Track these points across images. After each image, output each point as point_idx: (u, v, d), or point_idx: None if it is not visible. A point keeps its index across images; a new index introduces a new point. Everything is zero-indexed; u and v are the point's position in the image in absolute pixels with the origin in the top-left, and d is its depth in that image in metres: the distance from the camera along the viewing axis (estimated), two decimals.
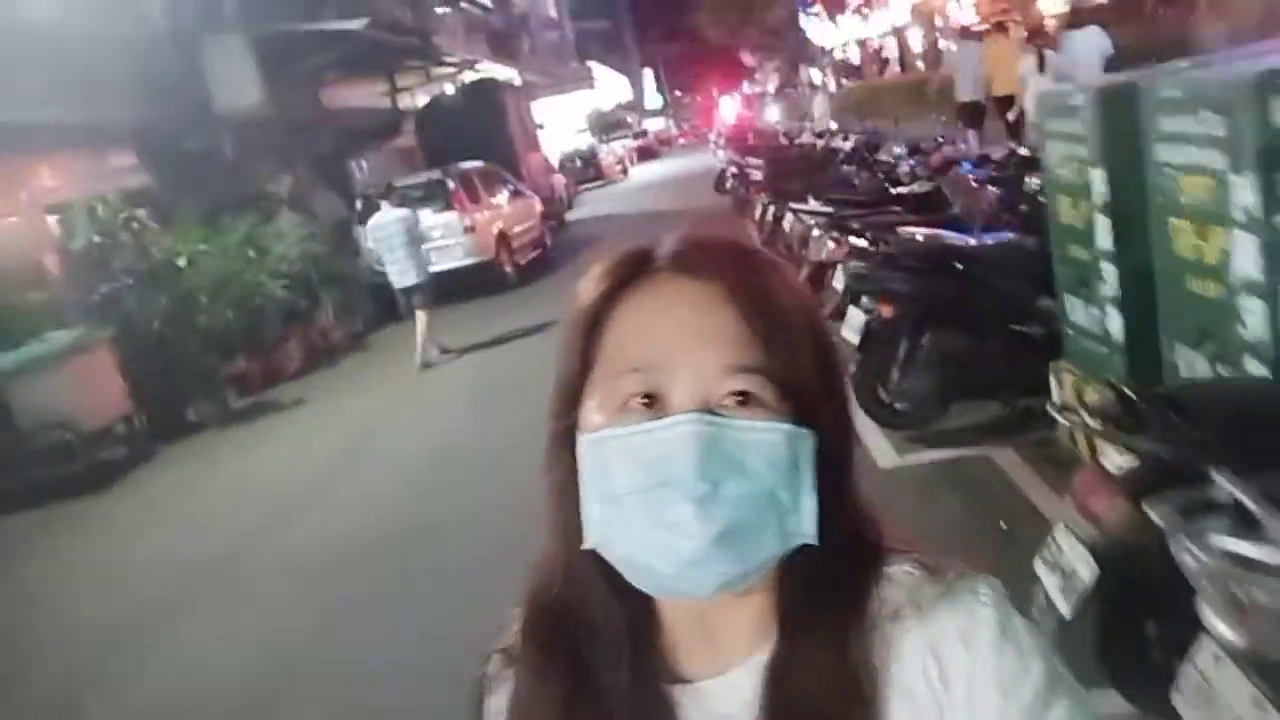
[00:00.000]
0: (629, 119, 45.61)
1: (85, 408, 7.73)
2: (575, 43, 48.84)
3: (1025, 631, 0.70)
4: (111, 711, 4.10)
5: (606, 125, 41.99)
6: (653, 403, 0.68)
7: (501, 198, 15.07)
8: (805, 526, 0.69)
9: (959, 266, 4.44)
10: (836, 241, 5.77)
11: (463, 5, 26.75)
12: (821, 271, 6.10)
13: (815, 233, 6.23)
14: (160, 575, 5.48)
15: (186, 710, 3.97)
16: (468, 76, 22.52)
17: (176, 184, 11.34)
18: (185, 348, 8.93)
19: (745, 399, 0.68)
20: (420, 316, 9.41)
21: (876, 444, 4.72)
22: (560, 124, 35.81)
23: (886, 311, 4.55)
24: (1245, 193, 2.53)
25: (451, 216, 12.95)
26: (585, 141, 36.75)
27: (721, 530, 0.66)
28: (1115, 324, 3.48)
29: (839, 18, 35.57)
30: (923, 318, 4.36)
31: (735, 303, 0.69)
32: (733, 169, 15.14)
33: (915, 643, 0.70)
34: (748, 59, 57.70)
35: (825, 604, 0.72)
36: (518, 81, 25.87)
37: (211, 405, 8.96)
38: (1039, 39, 10.47)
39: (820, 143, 11.40)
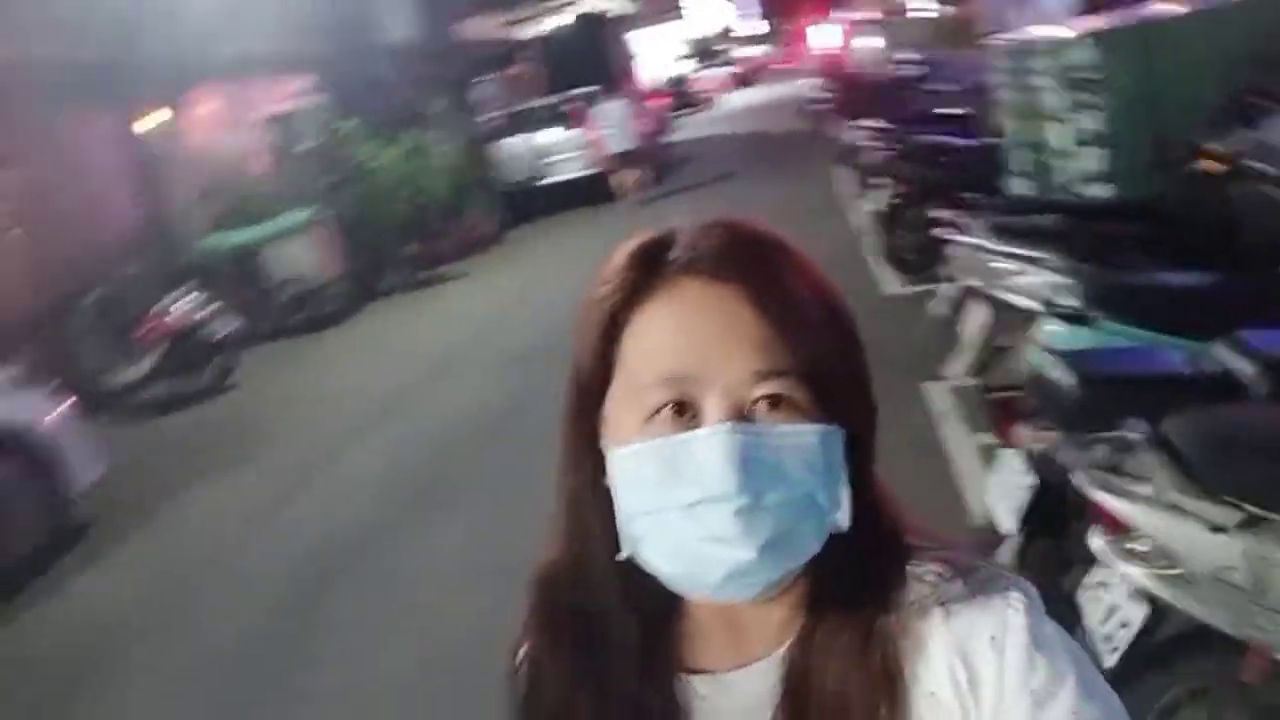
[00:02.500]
0: (725, 47, 46.83)
1: (313, 269, 10.41)
2: None
3: (1058, 639, 0.68)
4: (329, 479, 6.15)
5: (706, 53, 43.41)
6: (683, 411, 0.68)
7: (612, 108, 17.22)
8: (840, 519, 0.70)
9: (945, 159, 6.60)
10: (877, 148, 7.91)
11: None
12: (867, 172, 8.24)
13: (864, 143, 8.34)
14: (359, 396, 7.52)
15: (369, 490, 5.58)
16: (578, 8, 24.60)
17: (348, 103, 13.92)
18: (378, 232, 11.57)
19: (776, 402, 0.68)
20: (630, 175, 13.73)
21: (888, 278, 6.98)
22: (658, 53, 37.55)
23: (900, 190, 6.75)
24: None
25: (573, 133, 15.30)
26: (677, 70, 38.26)
27: (766, 539, 0.66)
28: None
29: None
30: (921, 195, 6.52)
31: (758, 305, 0.68)
32: (815, 94, 17.06)
33: (942, 643, 0.69)
34: None
35: (851, 597, 0.71)
36: (622, 12, 27.79)
37: (398, 276, 11.61)
38: None
39: (888, 70, 13.37)
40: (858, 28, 34.29)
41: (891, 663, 0.69)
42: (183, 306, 8.30)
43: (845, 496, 0.70)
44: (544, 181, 15.00)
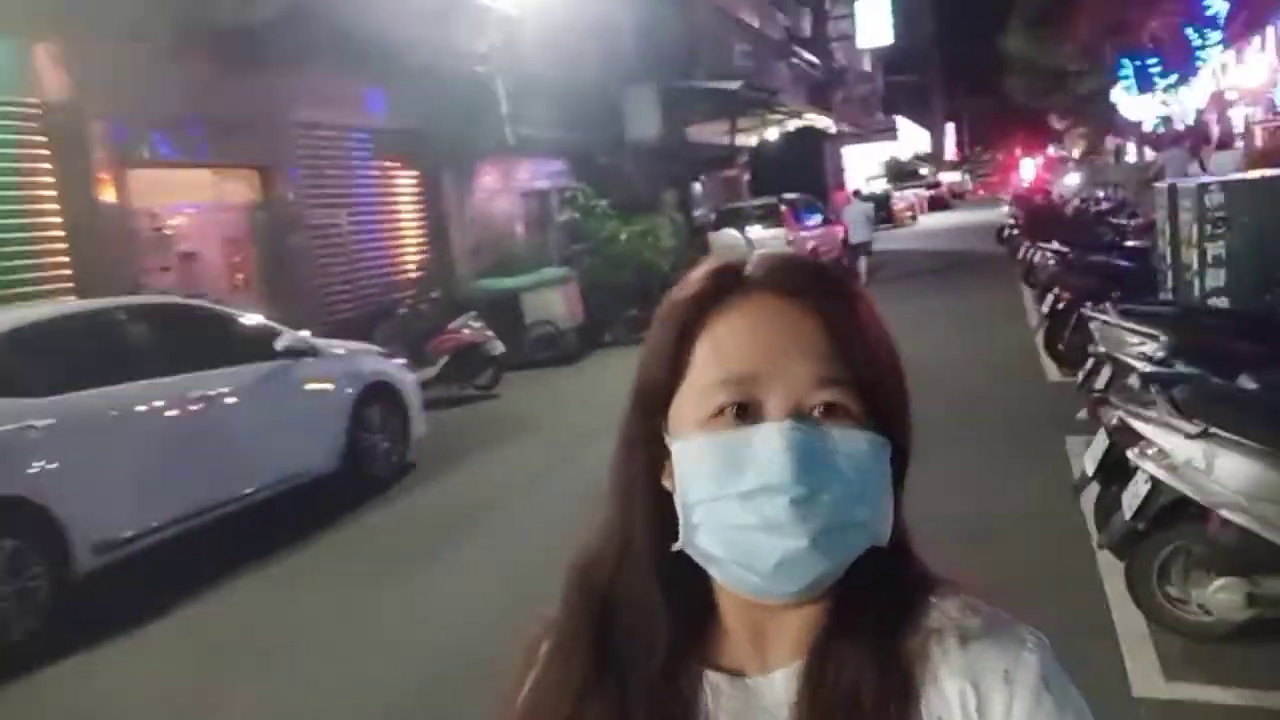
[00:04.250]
0: (924, 169, 48.49)
1: (561, 316, 12.61)
2: (884, 95, 52.46)
3: (1066, 684, 0.71)
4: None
5: (902, 173, 45.20)
6: (745, 413, 0.72)
7: (814, 222, 19.23)
8: (884, 529, 0.74)
9: (1106, 274, 8.02)
10: (1053, 263, 9.34)
11: (794, 60, 31.39)
12: (1041, 284, 9.68)
13: (1041, 259, 9.78)
14: (578, 419, 9.04)
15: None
16: (793, 123, 26.93)
17: (597, 186, 16.39)
18: (609, 294, 13.74)
19: (831, 409, 0.72)
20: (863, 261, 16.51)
21: (1051, 368, 8.38)
22: (861, 168, 39.62)
23: (1063, 296, 8.19)
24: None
25: (779, 231, 17.28)
26: (880, 186, 40.17)
27: (818, 530, 0.70)
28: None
29: (1149, 94, 36.87)
30: (1080, 300, 7.94)
31: (822, 320, 0.73)
32: (1010, 221, 18.46)
33: (955, 670, 0.72)
34: (1056, 122, 58.25)
35: (873, 615, 0.75)
36: (833, 130, 29.98)
37: (620, 331, 13.71)
38: None
39: (1074, 203, 14.71)
40: (1059, 165, 35.23)
41: (906, 682, 0.72)
42: (470, 326, 10.56)
43: (889, 505, 0.74)
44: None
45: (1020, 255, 13.37)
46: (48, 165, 8.22)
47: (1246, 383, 3.75)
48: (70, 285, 8.16)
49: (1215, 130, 30.83)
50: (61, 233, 8.25)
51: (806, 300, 0.74)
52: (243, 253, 10.43)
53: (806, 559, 0.70)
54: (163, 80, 8.61)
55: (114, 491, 5.01)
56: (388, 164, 12.85)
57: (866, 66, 48.24)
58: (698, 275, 0.79)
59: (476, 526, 6.11)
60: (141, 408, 5.29)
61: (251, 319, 6.69)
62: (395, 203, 13.11)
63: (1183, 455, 3.33)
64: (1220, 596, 3.34)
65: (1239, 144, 24.28)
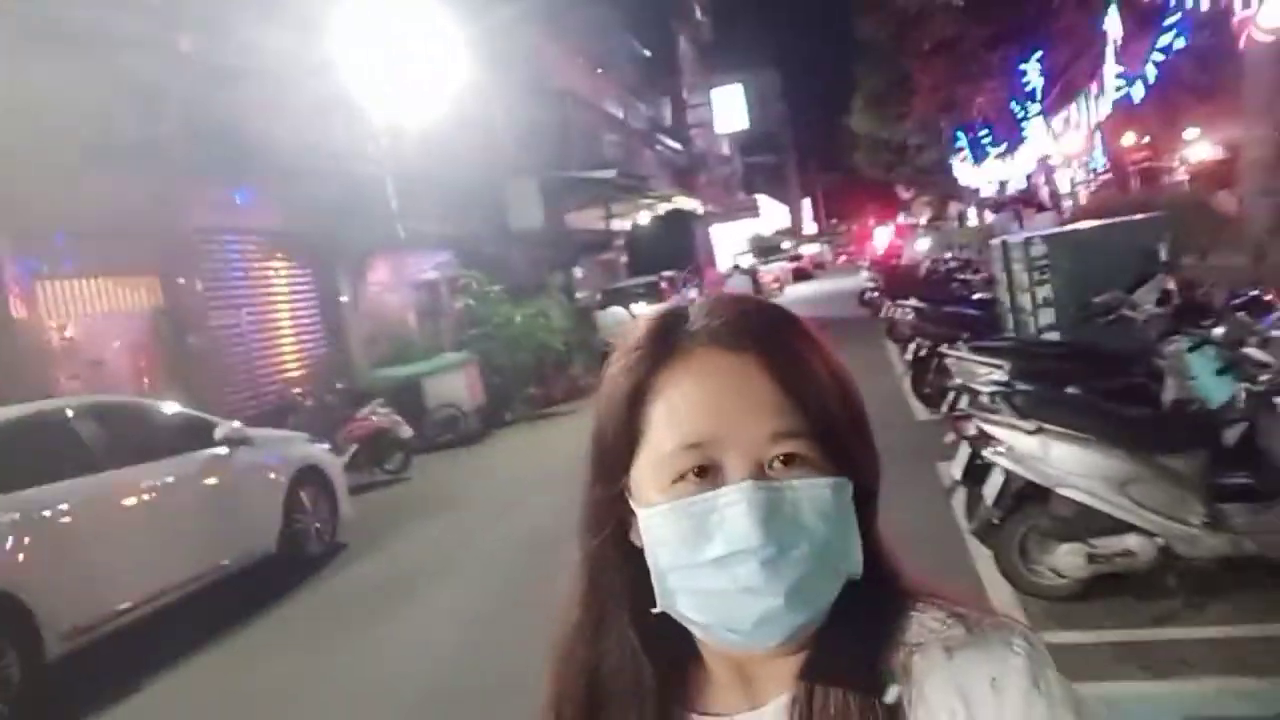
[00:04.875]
0: (785, 244, 51.02)
1: (462, 399, 13.08)
2: (743, 176, 55.26)
3: (1057, 684, 0.71)
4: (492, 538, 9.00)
5: (765, 249, 47.45)
6: (705, 473, 0.73)
7: (692, 296, 20.37)
8: (855, 565, 0.75)
9: (958, 321, 9.10)
10: (911, 319, 10.44)
11: (658, 147, 33.04)
12: (903, 336, 10.76)
13: (901, 315, 10.90)
14: (491, 494, 9.93)
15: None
16: (662, 206, 28.34)
17: (483, 274, 17.03)
18: (507, 375, 14.30)
19: (790, 459, 0.73)
20: None
21: (918, 408, 9.36)
22: (728, 245, 41.52)
23: (924, 344, 9.22)
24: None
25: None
26: (747, 261, 42.11)
27: (791, 586, 0.71)
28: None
29: (983, 162, 40.10)
30: (938, 345, 8.97)
31: (771, 372, 0.74)
32: (870, 285, 19.94)
33: (942, 683, 0.71)
34: (903, 192, 61.97)
35: (855, 637, 0.75)
36: (700, 211, 31.60)
37: (520, 408, 14.25)
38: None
39: (926, 265, 16.19)
40: (911, 231, 37.91)
41: (893, 700, 0.72)
42: (378, 413, 10.94)
43: (856, 542, 0.75)
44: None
45: (882, 313, 14.61)
46: None
47: (1071, 391, 4.65)
48: None
49: (1044, 192, 33.83)
50: None
51: (752, 354, 0.74)
52: (147, 357, 10.60)
53: (784, 614, 0.71)
54: (67, 195, 8.87)
55: (81, 579, 5.26)
56: (282, 264, 13.22)
57: (725, 150, 50.86)
58: (638, 337, 0.79)
59: (410, 595, 6.50)
60: (98, 499, 5.58)
61: (187, 412, 7.01)
62: (291, 300, 13.44)
63: (1025, 448, 4.15)
64: (1066, 559, 4.14)
65: (1065, 203, 26.84)
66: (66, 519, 5.32)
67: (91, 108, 8.84)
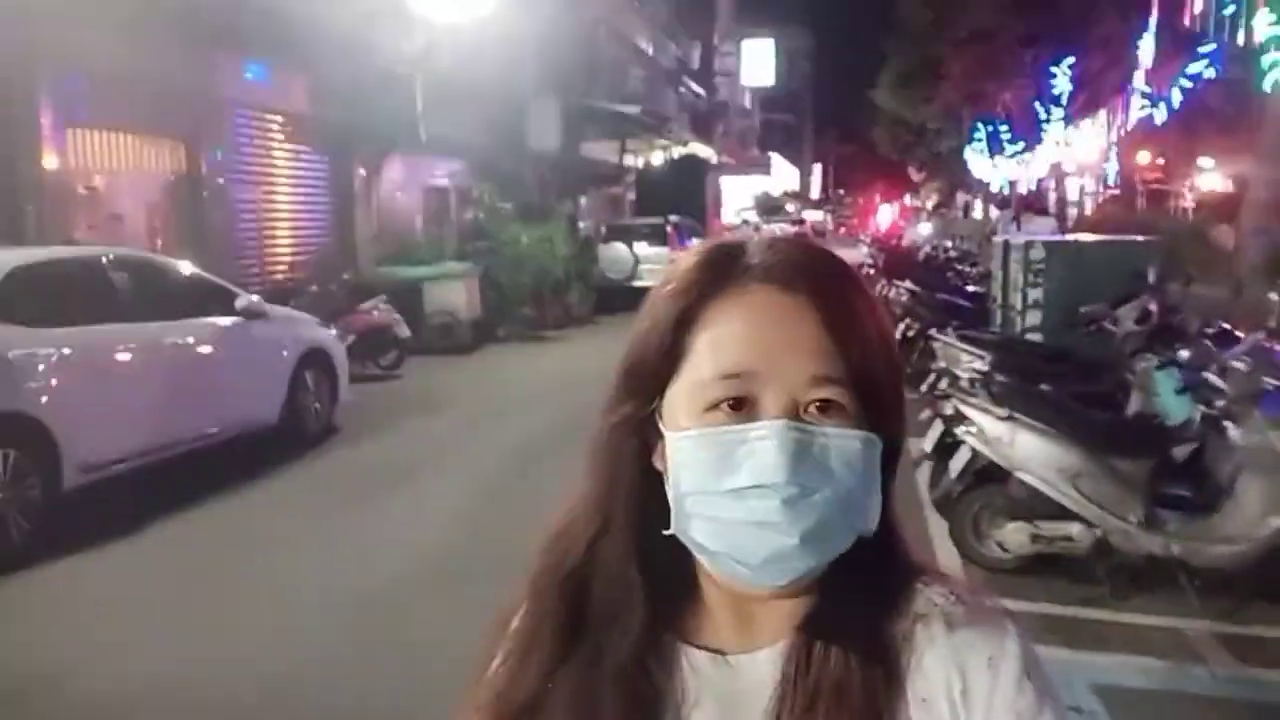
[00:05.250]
0: (791, 206, 51.12)
1: (461, 308, 13.38)
2: (760, 131, 55.05)
3: (1044, 675, 0.74)
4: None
5: (770, 208, 47.56)
6: (740, 407, 0.73)
7: (695, 244, 20.63)
8: (871, 523, 0.75)
9: (949, 309, 9.49)
10: (906, 298, 10.83)
11: (682, 90, 32.95)
12: (895, 316, 11.17)
13: (896, 295, 11.29)
14: (481, 402, 10.43)
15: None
16: (678, 149, 28.41)
17: (494, 188, 17.23)
18: (506, 293, 14.60)
19: (827, 406, 0.73)
20: None
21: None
22: (734, 199, 41.62)
23: (913, 325, 9.62)
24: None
25: (663, 250, 18.50)
26: (753, 217, 42.25)
27: (808, 529, 0.71)
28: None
29: (998, 158, 40.25)
30: (926, 328, 9.37)
31: (821, 316, 0.73)
32: (868, 261, 20.28)
33: (940, 655, 0.74)
34: (914, 174, 61.91)
35: (861, 599, 0.76)
36: (714, 160, 31.66)
37: (514, 328, 14.58)
38: None
39: (926, 250, 16.55)
40: (917, 214, 38.13)
41: (892, 664, 0.74)
42: (379, 308, 11.25)
43: (877, 501, 0.75)
44: (636, 283, 18.14)
45: (877, 291, 14.99)
46: None
47: (1043, 388, 5.05)
48: None
49: (1052, 197, 34.13)
50: None
51: (805, 296, 0.74)
52: (163, 220, 10.82)
53: (795, 555, 0.71)
54: (106, 48, 9.01)
55: (101, 418, 5.61)
56: (303, 148, 13.36)
57: (746, 103, 50.58)
58: (690, 264, 0.79)
59: (402, 480, 6.89)
60: (127, 347, 5.91)
61: (211, 277, 7.30)
62: (307, 186, 13.62)
63: (994, 432, 4.56)
64: (1012, 536, 4.58)
65: (1071, 211, 27.13)
66: (95, 361, 5.66)
67: None
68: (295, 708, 3.69)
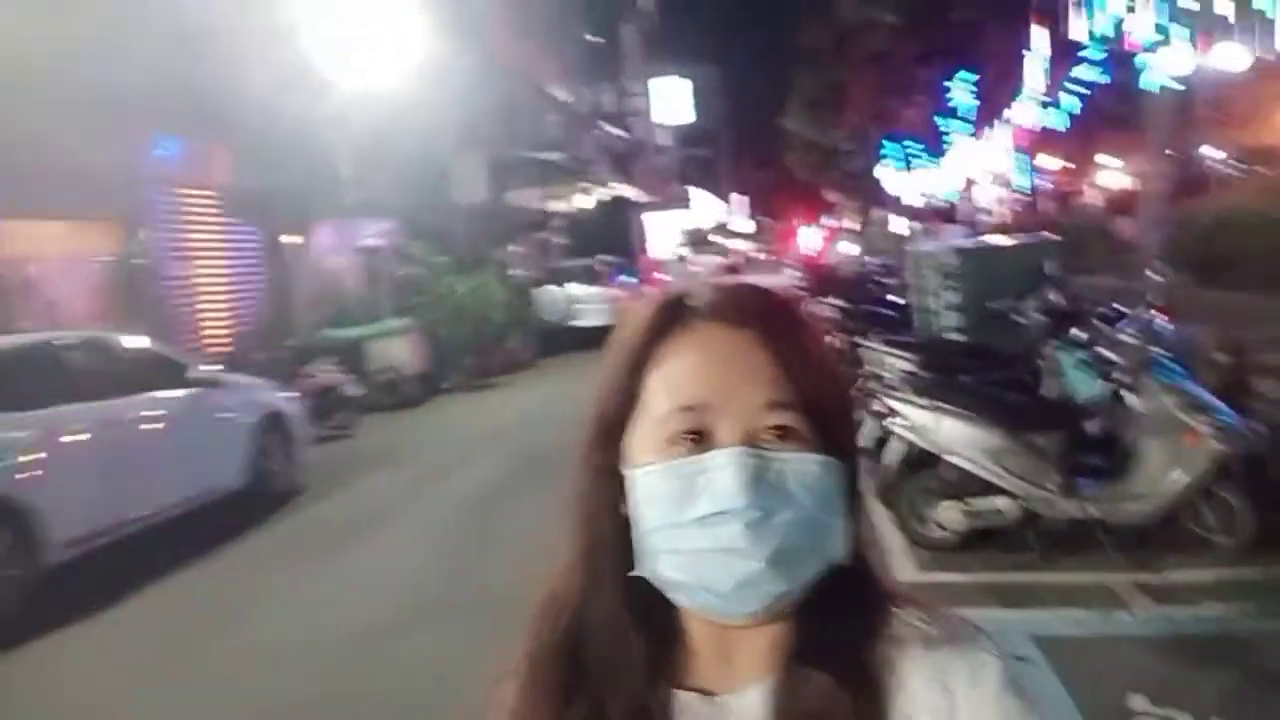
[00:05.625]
0: (717, 239, 52.11)
1: (404, 363, 13.58)
2: (679, 167, 56.10)
3: (1024, 690, 0.75)
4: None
5: (698, 241, 48.44)
6: (699, 440, 0.75)
7: (632, 282, 21.06)
8: (840, 548, 0.76)
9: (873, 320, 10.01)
10: (833, 316, 11.37)
11: (597, 133, 33.61)
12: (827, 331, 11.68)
13: (825, 313, 11.83)
14: (436, 453, 10.83)
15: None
16: (600, 190, 28.96)
17: (431, 244, 17.48)
18: (447, 344, 14.83)
19: (783, 433, 0.74)
20: None
21: None
22: (658, 235, 42.32)
23: (843, 339, 10.11)
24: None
25: (598, 289, 18.92)
26: (680, 253, 42.98)
27: (773, 551, 0.72)
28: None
29: (909, 173, 41.69)
30: (853, 339, 9.85)
31: (770, 348, 0.76)
32: (799, 283, 20.97)
33: (923, 676, 0.75)
34: (831, 196, 63.36)
35: (838, 628, 0.77)
36: (638, 198, 32.30)
37: (458, 379, 14.80)
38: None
39: (850, 267, 17.23)
40: (836, 234, 39.29)
41: (876, 689, 0.74)
42: (325, 369, 11.42)
43: (844, 525, 0.76)
44: (573, 324, 18.50)
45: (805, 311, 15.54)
46: None
47: (962, 379, 5.52)
48: None
49: (967, 207, 35.41)
50: None
51: (752, 330, 0.76)
52: (102, 303, 10.88)
53: (764, 580, 0.72)
54: (33, 133, 9.15)
55: (79, 495, 5.76)
56: (234, 222, 13.50)
57: (662, 140, 51.57)
58: (644, 309, 0.81)
59: (368, 531, 7.10)
60: (90, 425, 6.05)
61: (163, 351, 7.47)
62: (241, 257, 13.75)
63: (921, 422, 4.99)
64: (947, 514, 5.01)
65: (984, 218, 28.31)
66: (65, 440, 5.81)
67: (61, 55, 9.14)
68: None
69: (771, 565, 0.72)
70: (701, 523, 0.73)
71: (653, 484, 0.75)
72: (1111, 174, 28.50)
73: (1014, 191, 32.01)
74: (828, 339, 0.94)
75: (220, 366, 7.86)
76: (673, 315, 0.79)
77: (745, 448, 0.73)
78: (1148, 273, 5.67)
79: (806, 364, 0.77)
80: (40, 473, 5.54)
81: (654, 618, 0.80)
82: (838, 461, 0.76)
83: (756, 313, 0.78)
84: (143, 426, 6.51)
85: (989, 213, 32.14)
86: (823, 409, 0.76)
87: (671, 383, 0.76)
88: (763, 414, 0.74)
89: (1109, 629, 4.19)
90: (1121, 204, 21.10)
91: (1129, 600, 4.44)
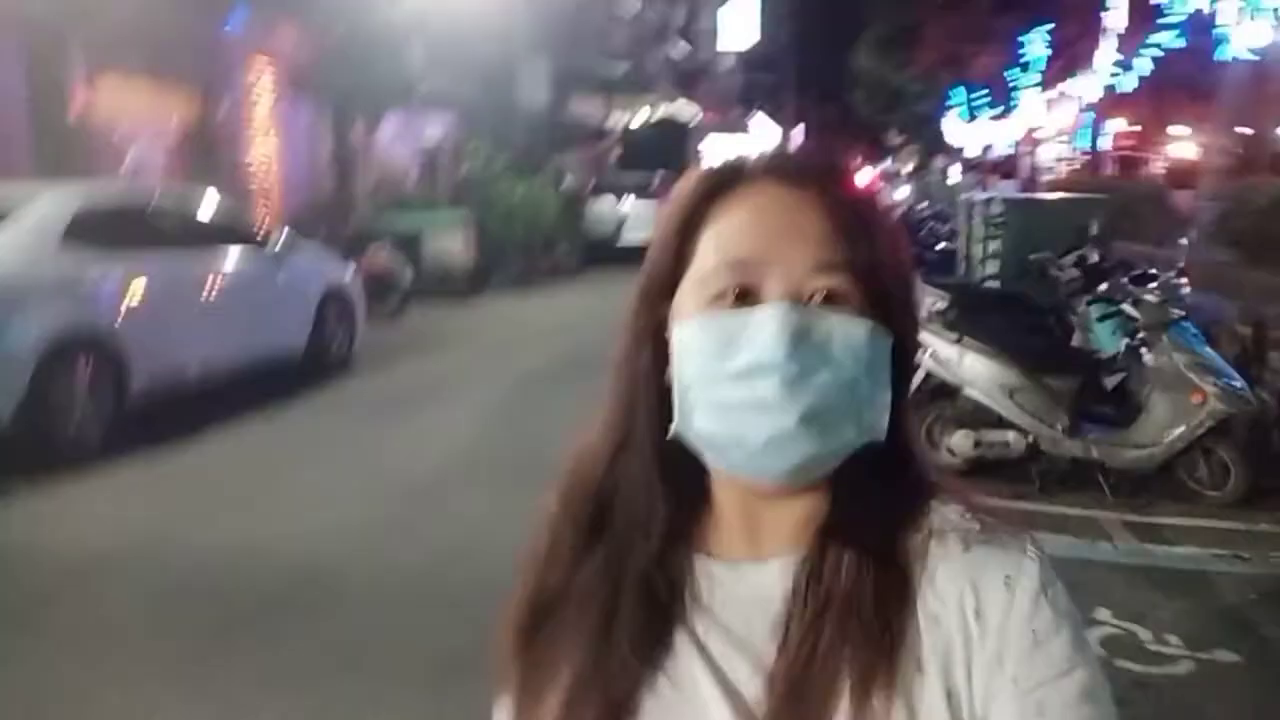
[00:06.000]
0: None
1: (457, 255, 14.04)
2: (742, 91, 55.39)
3: (1063, 594, 0.72)
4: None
5: None
6: (745, 296, 0.73)
7: None
8: (879, 422, 0.73)
9: (918, 262, 10.29)
10: None
11: (664, 49, 33.37)
12: None
13: None
14: (484, 340, 11.31)
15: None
16: (663, 106, 28.94)
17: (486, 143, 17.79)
18: (498, 244, 15.26)
19: (832, 296, 0.72)
20: None
21: None
22: (714, 159, 42.17)
23: None
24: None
25: (651, 203, 19.17)
26: None
27: (807, 408, 0.69)
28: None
29: (974, 123, 40.97)
30: None
31: (825, 207, 0.73)
32: None
33: (954, 571, 0.72)
34: (892, 138, 62.29)
35: (874, 510, 0.75)
36: (697, 118, 32.23)
37: (505, 279, 15.25)
38: None
39: (903, 211, 17.41)
40: (894, 177, 38.95)
41: (904, 579, 0.73)
42: (384, 254, 11.90)
43: (885, 399, 0.73)
44: (621, 242, 18.82)
45: None
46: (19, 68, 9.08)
47: (992, 321, 5.86)
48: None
49: (1025, 162, 34.93)
50: (29, 132, 9.15)
51: (810, 189, 0.74)
52: (178, 166, 11.38)
53: (795, 438, 0.70)
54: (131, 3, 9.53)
55: (161, 338, 6.31)
56: (305, 99, 13.90)
57: (729, 62, 50.88)
58: (701, 172, 0.80)
59: (424, 402, 7.64)
60: (179, 274, 6.60)
61: (249, 216, 7.96)
62: (311, 136, 14.18)
63: (946, 355, 5.36)
64: (960, 442, 5.41)
65: (1045, 176, 28.03)
66: (154, 285, 6.34)
67: None
68: (369, 563, 4.47)
69: (804, 423, 0.70)
70: (739, 376, 0.71)
71: (694, 337, 0.74)
72: (1181, 144, 27.96)
73: (1077, 150, 31.52)
74: (889, 209, 0.88)
75: (290, 236, 8.24)
76: (730, 176, 0.78)
77: (790, 304, 0.71)
78: (1181, 241, 5.92)
79: (863, 229, 0.74)
80: (130, 313, 6.08)
81: (684, 484, 0.80)
82: (888, 332, 0.74)
83: (816, 173, 0.77)
84: (220, 281, 7.03)
85: (1050, 169, 31.73)
86: (877, 277, 0.73)
87: (722, 239, 0.75)
88: (812, 274, 0.72)
89: (1090, 554, 4.61)
90: (1183, 175, 20.86)
91: (1114, 535, 4.85)
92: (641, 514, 0.80)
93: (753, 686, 0.73)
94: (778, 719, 0.71)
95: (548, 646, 0.80)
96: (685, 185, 0.79)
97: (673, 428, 0.76)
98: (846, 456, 0.73)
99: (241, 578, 4.29)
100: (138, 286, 6.18)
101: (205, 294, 6.85)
